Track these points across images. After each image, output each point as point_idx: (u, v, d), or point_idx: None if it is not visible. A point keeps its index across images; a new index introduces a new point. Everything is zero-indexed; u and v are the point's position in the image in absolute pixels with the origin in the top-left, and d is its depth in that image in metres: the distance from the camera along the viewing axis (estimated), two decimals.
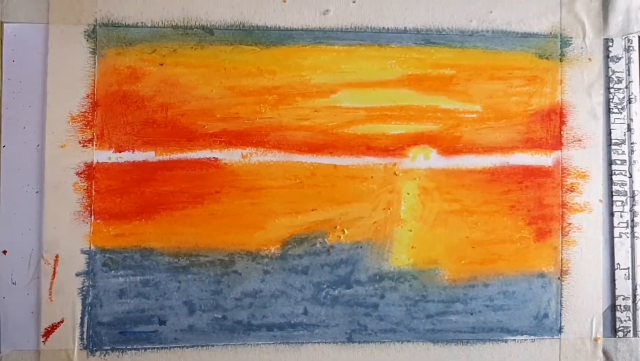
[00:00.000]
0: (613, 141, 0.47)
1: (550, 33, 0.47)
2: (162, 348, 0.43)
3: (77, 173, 0.43)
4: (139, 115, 0.43)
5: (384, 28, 0.45)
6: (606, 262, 0.46)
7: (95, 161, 0.43)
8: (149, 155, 0.43)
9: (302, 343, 0.44)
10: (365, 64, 0.45)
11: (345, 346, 0.44)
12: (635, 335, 0.46)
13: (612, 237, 0.46)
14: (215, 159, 0.44)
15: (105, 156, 0.43)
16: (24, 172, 0.42)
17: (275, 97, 0.44)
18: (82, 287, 0.42)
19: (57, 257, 0.42)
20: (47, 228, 0.42)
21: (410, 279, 0.45)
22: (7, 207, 0.42)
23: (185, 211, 0.43)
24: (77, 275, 0.42)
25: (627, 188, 0.47)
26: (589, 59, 0.47)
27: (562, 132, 0.46)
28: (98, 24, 0.43)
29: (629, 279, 0.46)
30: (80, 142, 0.43)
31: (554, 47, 0.47)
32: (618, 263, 0.46)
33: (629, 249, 0.46)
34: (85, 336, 0.42)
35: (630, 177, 0.47)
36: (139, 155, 0.43)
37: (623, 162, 0.47)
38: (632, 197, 0.46)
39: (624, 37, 0.47)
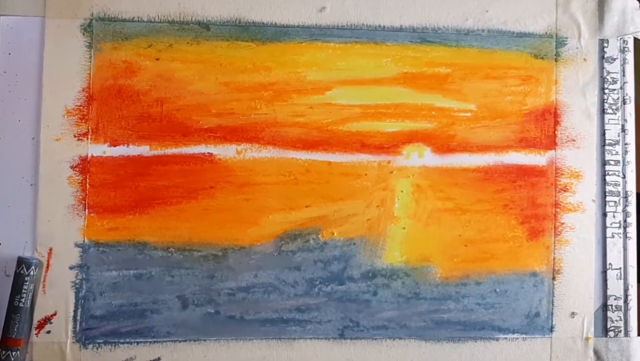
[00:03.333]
0: (607, 141, 0.47)
1: (546, 33, 0.47)
2: (154, 342, 0.43)
3: (72, 167, 0.43)
4: (134, 109, 0.43)
5: (379, 26, 0.45)
6: (598, 261, 0.46)
7: (90, 155, 0.43)
8: (143, 150, 0.43)
9: (294, 338, 0.44)
10: (360, 61, 0.45)
11: (337, 342, 0.45)
12: (626, 334, 0.46)
13: (604, 237, 0.46)
14: (210, 154, 0.44)
15: (100, 150, 0.43)
16: (19, 164, 0.43)
17: (270, 94, 0.44)
18: (76, 280, 0.43)
19: (51, 250, 0.42)
20: (42, 221, 0.42)
21: (403, 276, 0.45)
22: (2, 199, 0.42)
23: (180, 206, 0.43)
24: (71, 268, 0.43)
25: (620, 188, 0.47)
26: (584, 60, 0.47)
27: (556, 132, 0.46)
28: (94, 18, 0.43)
29: (620, 279, 0.46)
30: (75, 136, 0.43)
31: (549, 47, 0.47)
32: (610, 263, 0.46)
33: (621, 249, 0.46)
34: (78, 330, 0.43)
35: (624, 177, 0.47)
36: (133, 150, 0.43)
37: (617, 162, 0.47)
38: (625, 197, 0.47)
39: (619, 38, 0.47)
